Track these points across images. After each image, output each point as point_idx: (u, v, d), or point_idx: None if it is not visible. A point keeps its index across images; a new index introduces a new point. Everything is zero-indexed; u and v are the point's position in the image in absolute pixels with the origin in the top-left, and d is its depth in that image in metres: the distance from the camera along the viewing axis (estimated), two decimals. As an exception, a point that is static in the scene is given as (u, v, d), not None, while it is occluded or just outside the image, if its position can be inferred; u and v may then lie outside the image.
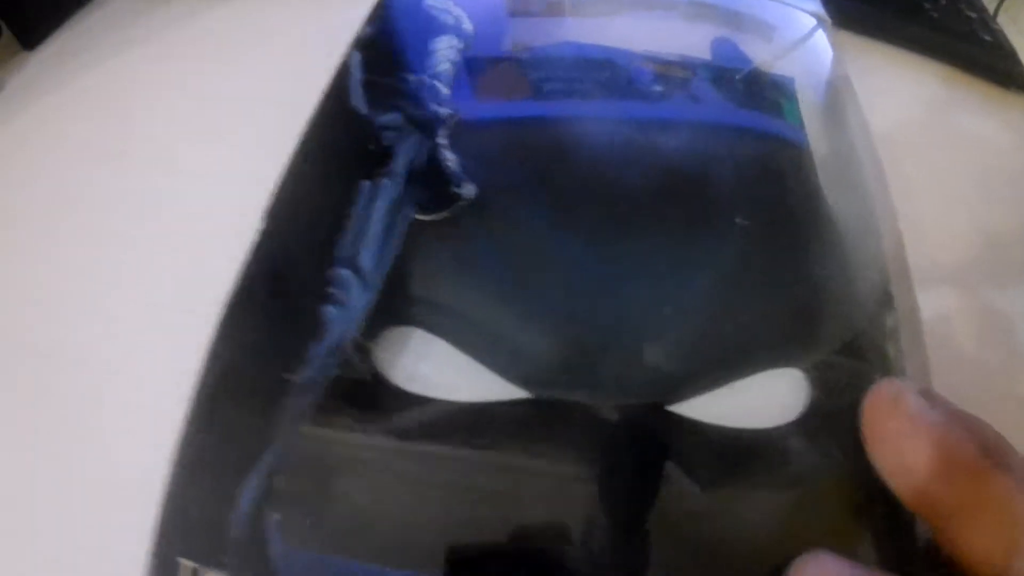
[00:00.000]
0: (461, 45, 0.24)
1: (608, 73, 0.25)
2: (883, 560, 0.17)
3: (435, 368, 0.18)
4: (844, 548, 0.17)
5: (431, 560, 0.16)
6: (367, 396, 0.17)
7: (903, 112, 0.37)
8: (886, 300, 0.21)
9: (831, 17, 0.38)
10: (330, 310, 0.18)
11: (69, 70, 0.34)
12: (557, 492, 0.17)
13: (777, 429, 0.18)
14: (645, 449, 0.17)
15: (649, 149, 0.23)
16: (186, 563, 0.16)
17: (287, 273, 0.19)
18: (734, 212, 0.21)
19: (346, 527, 0.16)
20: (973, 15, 0.42)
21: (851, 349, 0.20)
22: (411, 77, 0.23)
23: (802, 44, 0.31)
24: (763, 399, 0.19)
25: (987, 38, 0.41)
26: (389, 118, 0.22)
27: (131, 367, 0.21)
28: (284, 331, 0.18)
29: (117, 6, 0.39)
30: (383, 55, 0.24)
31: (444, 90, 0.23)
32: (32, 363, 0.22)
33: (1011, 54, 0.40)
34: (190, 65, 0.34)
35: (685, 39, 0.28)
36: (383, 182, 0.20)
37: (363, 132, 0.22)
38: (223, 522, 0.16)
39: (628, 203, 0.21)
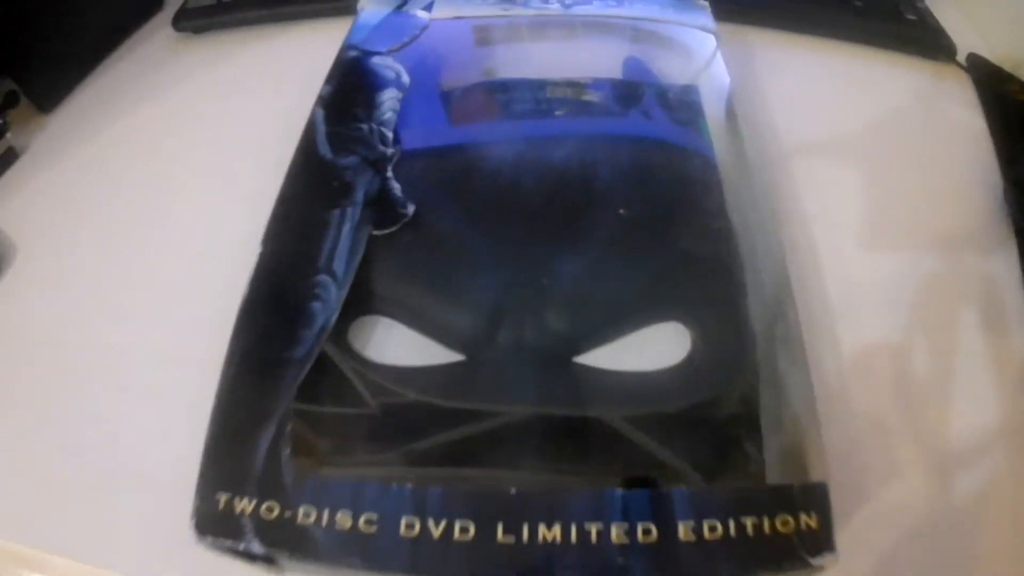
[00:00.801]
0: (401, 95, 0.30)
1: (528, 96, 0.31)
2: (730, 465, 0.22)
3: (392, 343, 0.24)
4: (704, 453, 0.22)
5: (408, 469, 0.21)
6: (344, 367, 0.24)
7: (840, 94, 0.40)
8: (757, 268, 0.25)
9: (755, 17, 0.42)
10: (315, 305, 0.24)
11: (84, 130, 0.39)
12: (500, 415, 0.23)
13: (663, 371, 0.24)
14: (557, 390, 0.23)
15: (550, 157, 0.29)
16: (221, 495, 0.21)
17: (283, 280, 0.25)
18: (620, 206, 0.27)
19: (339, 454, 0.22)
20: (897, -3, 0.43)
21: (725, 307, 0.25)
22: (363, 126, 0.29)
23: (698, 56, 0.35)
24: (651, 347, 0.24)
25: (912, 17, 0.43)
26: (348, 160, 0.28)
27: (177, 357, 0.27)
28: (283, 322, 0.24)
29: (124, 68, 0.43)
30: (340, 109, 0.30)
31: (389, 134, 0.29)
32: (107, 358, 0.29)
33: (938, 29, 0.42)
34: (195, 116, 0.39)
35: (598, 60, 0.34)
36: (347, 209, 0.27)
37: (330, 173, 0.28)
38: (247, 462, 0.21)
39: (534, 203, 0.27)
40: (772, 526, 0.20)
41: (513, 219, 0.27)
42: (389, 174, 0.28)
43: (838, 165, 0.36)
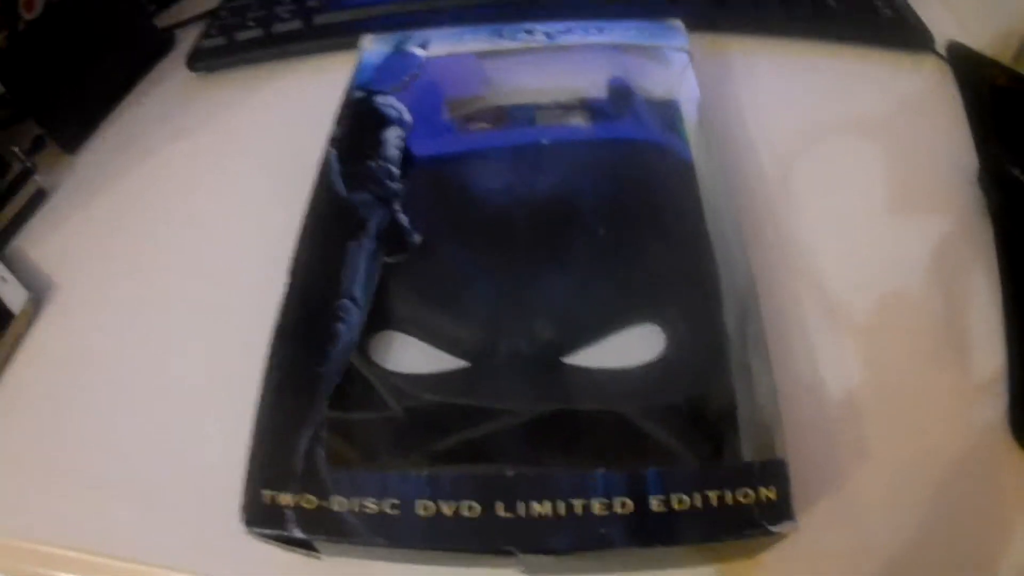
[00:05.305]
0: (404, 133, 0.37)
1: (521, 123, 0.37)
2: (696, 445, 0.26)
3: (407, 354, 0.30)
4: (672, 436, 0.27)
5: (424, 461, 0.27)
6: (368, 376, 0.29)
7: (817, 94, 0.44)
8: (722, 279, 0.30)
9: (731, 24, 0.46)
10: (340, 326, 0.30)
11: (108, 169, 0.45)
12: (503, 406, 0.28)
13: (641, 367, 0.29)
14: (549, 388, 0.29)
15: (540, 185, 0.34)
16: (266, 492, 0.25)
17: (311, 306, 0.31)
18: (601, 226, 0.33)
19: (367, 450, 0.27)
20: (874, -7, 0.47)
21: (696, 309, 0.30)
22: (372, 164, 0.35)
23: (676, 73, 0.39)
24: (631, 347, 0.30)
25: (888, 12, 0.46)
26: (362, 197, 0.34)
27: (222, 376, 0.33)
28: (313, 341, 0.29)
29: (143, 108, 0.49)
30: (351, 148, 0.36)
31: (396, 170, 0.35)
32: (140, 377, 0.34)
33: (914, 21, 0.46)
34: (213, 152, 0.45)
35: (584, 83, 0.39)
36: (363, 241, 0.33)
37: (345, 209, 0.34)
38: (288, 462, 0.26)
39: (526, 229, 0.33)
40: (734, 498, 0.24)
41: (507, 244, 0.33)
42: (397, 207, 0.34)
43: (814, 163, 0.39)
